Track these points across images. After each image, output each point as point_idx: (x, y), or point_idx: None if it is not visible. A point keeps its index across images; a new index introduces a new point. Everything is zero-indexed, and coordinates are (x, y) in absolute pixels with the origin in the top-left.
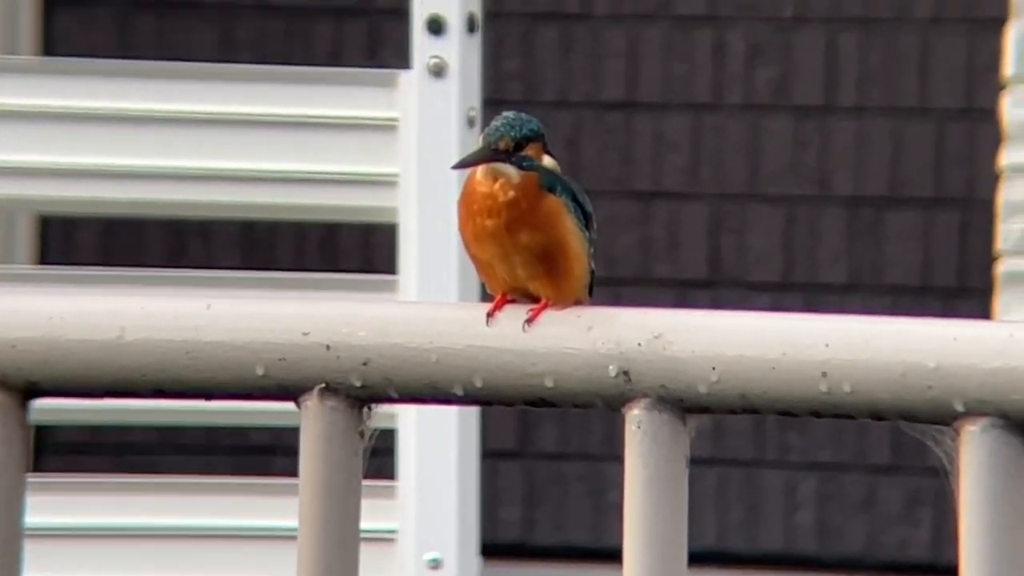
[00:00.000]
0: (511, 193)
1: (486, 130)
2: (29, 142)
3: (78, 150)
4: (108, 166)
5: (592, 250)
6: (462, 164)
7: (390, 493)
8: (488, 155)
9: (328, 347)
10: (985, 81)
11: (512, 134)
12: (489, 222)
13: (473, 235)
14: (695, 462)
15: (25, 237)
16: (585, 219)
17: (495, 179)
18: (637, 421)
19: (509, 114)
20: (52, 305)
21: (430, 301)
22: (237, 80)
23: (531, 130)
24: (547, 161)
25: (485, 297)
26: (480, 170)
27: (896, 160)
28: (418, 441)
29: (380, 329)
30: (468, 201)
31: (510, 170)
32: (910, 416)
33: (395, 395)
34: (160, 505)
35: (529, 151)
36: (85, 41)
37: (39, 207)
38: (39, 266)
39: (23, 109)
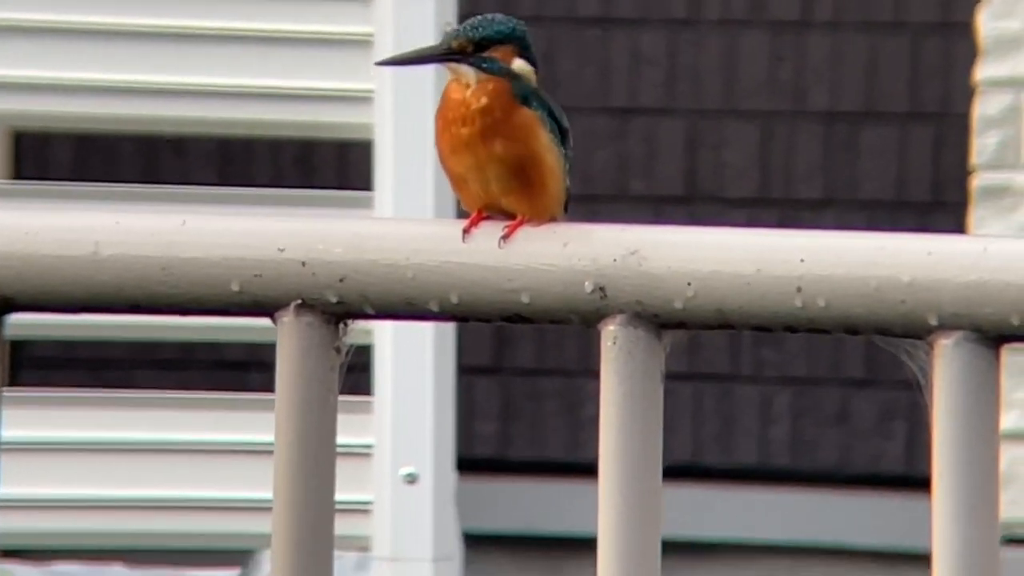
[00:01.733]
0: (484, 100)
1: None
2: (2, 57)
3: (52, 64)
4: (82, 80)
5: (568, 166)
6: (392, 61)
7: (366, 408)
8: (435, 54)
9: (304, 263)
10: None
11: (471, 34)
12: (464, 130)
13: (449, 145)
14: (671, 377)
15: None
16: (561, 135)
17: (467, 85)
18: (613, 337)
19: (483, 16)
20: (27, 220)
21: (406, 217)
22: None
23: (497, 31)
24: (518, 64)
25: (461, 214)
26: (451, 75)
27: (871, 75)
28: (394, 357)
29: (356, 245)
30: (444, 110)
31: (465, 70)
32: (884, 330)
33: (371, 311)
34: (136, 420)
35: (495, 53)
36: None
37: (12, 122)
38: (13, 181)
39: None
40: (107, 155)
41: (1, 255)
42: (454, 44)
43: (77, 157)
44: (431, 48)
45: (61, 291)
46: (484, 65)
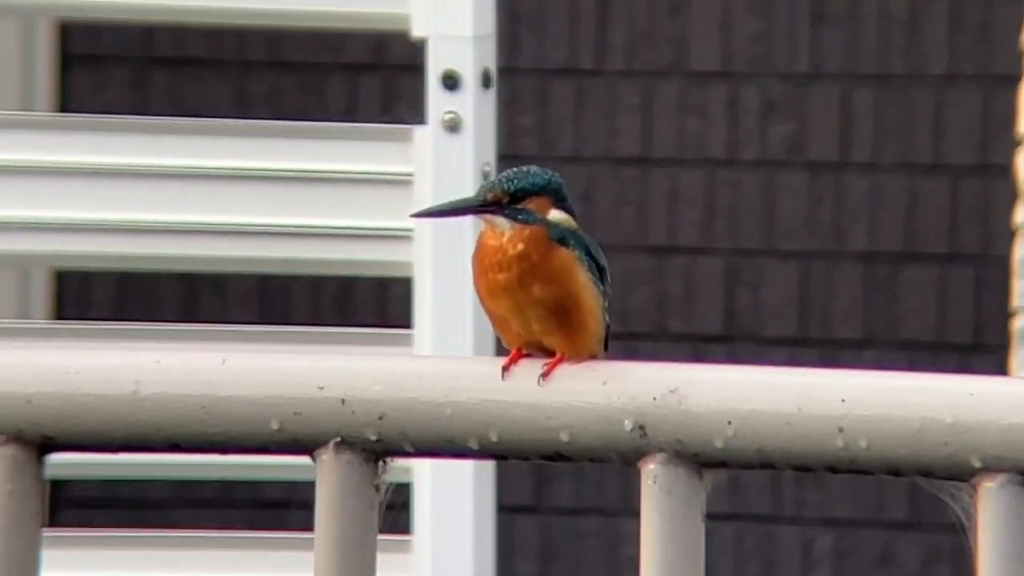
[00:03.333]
0: (520, 246)
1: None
2: (45, 198)
3: (93, 205)
4: (123, 221)
5: (607, 304)
6: (428, 213)
7: (406, 547)
8: (470, 206)
9: (343, 401)
10: (999, 137)
11: (505, 187)
12: (501, 276)
13: (487, 289)
14: (711, 517)
15: (41, 292)
16: (599, 273)
17: (502, 233)
18: (653, 476)
19: (515, 169)
20: (68, 360)
21: (445, 355)
22: (252, 135)
23: (532, 183)
24: (554, 215)
25: (500, 351)
26: (486, 224)
27: (911, 216)
28: (433, 495)
29: (395, 383)
30: (480, 256)
31: (500, 221)
32: (927, 472)
33: (410, 449)
34: (175, 560)
35: (530, 204)
36: (100, 98)
37: (55, 262)
38: (55, 321)
39: (39, 165)
40: (147, 294)
41: (42, 395)
42: (489, 196)
43: (117, 297)
44: (467, 200)
45: (101, 430)
46: (520, 217)
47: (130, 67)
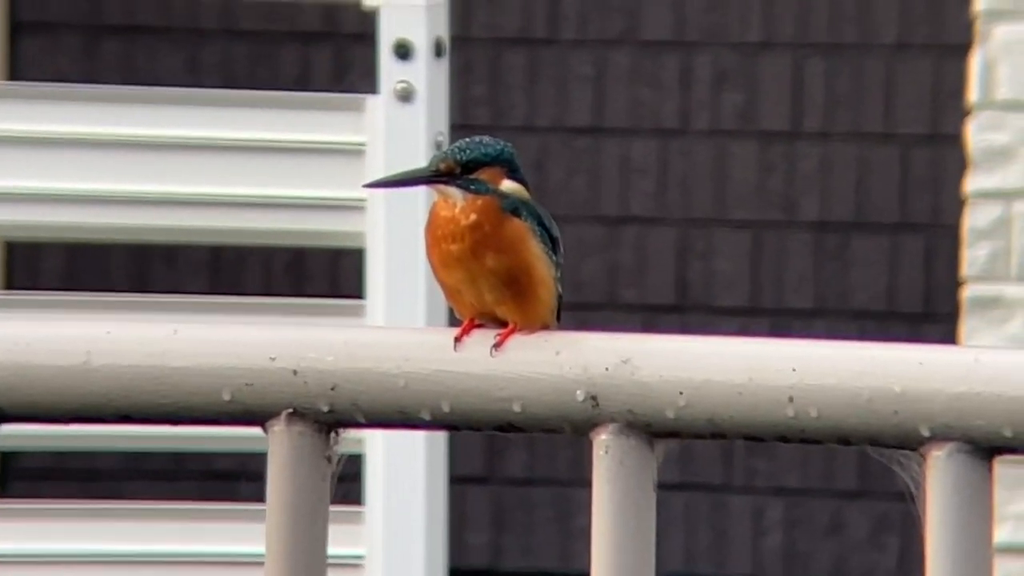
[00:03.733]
0: (472, 217)
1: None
2: None
3: (43, 175)
4: (73, 191)
5: (559, 275)
6: (380, 183)
7: (358, 518)
8: (422, 176)
9: (295, 372)
10: (950, 107)
11: (457, 157)
12: (454, 247)
13: (439, 260)
14: (663, 487)
15: None
16: (552, 243)
17: (455, 203)
18: (605, 446)
19: (466, 139)
20: (17, 330)
21: (397, 326)
22: (204, 104)
23: (484, 153)
24: (506, 185)
25: (453, 322)
26: (439, 195)
27: (862, 185)
28: (386, 466)
29: (347, 354)
30: (433, 226)
31: (453, 192)
32: (877, 441)
33: (363, 420)
34: (126, 531)
35: (482, 175)
36: (51, 66)
37: (4, 232)
38: (4, 291)
39: None
40: (98, 265)
41: None
42: (441, 166)
43: (68, 267)
44: (418, 170)
45: (51, 401)
46: (472, 187)
47: (80, 35)
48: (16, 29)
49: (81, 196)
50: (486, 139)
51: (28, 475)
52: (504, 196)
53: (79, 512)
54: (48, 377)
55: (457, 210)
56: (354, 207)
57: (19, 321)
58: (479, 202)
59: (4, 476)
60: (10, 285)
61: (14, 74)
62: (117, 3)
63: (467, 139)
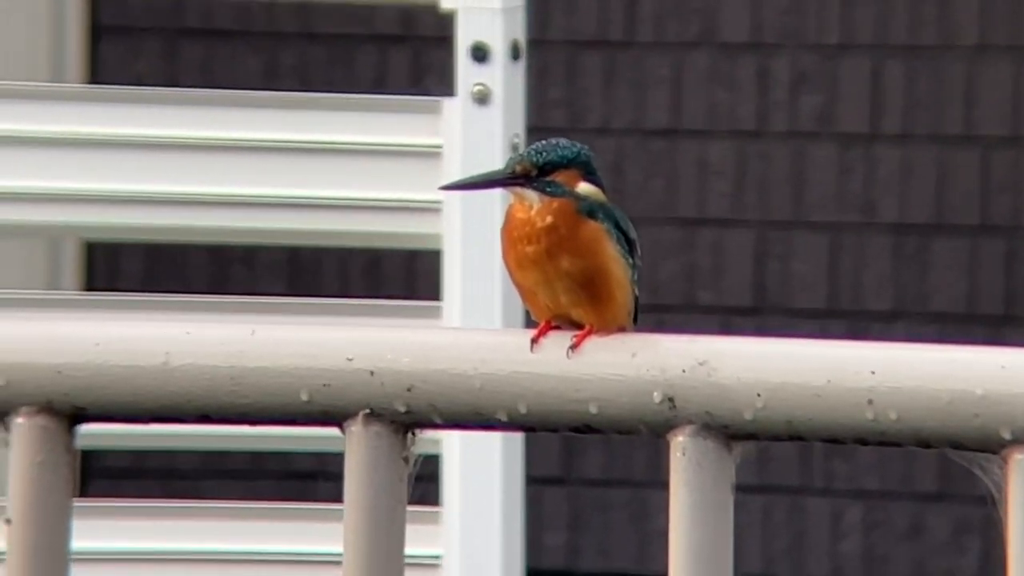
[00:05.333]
0: (549, 219)
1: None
2: (75, 169)
3: (123, 177)
4: (153, 193)
5: (636, 276)
6: (457, 185)
7: (434, 519)
8: (498, 179)
9: (372, 373)
10: None
11: (534, 159)
12: (529, 248)
13: (515, 262)
14: (740, 489)
15: (71, 263)
16: (629, 245)
17: (531, 206)
18: (682, 448)
19: (544, 141)
20: (98, 331)
21: (474, 327)
22: (282, 107)
23: (560, 156)
24: (583, 187)
25: (529, 324)
26: (515, 197)
27: (941, 187)
28: (462, 467)
29: (424, 355)
30: (509, 228)
31: (529, 194)
32: (957, 444)
33: (439, 421)
34: (205, 530)
35: (559, 177)
36: (131, 69)
37: (85, 233)
38: (85, 292)
39: (69, 136)
40: (177, 266)
41: (72, 366)
42: (518, 168)
43: (147, 268)
44: (496, 172)
45: (131, 401)
46: (548, 189)
47: (160, 38)
48: (97, 32)
49: (160, 198)
50: (562, 141)
51: (109, 474)
52: (580, 198)
53: (159, 511)
54: (128, 377)
55: (533, 212)
56: (431, 209)
57: (99, 322)
58: (555, 204)
59: (85, 475)
60: (90, 286)
61: (95, 77)
62: (196, 7)
63: (543, 141)
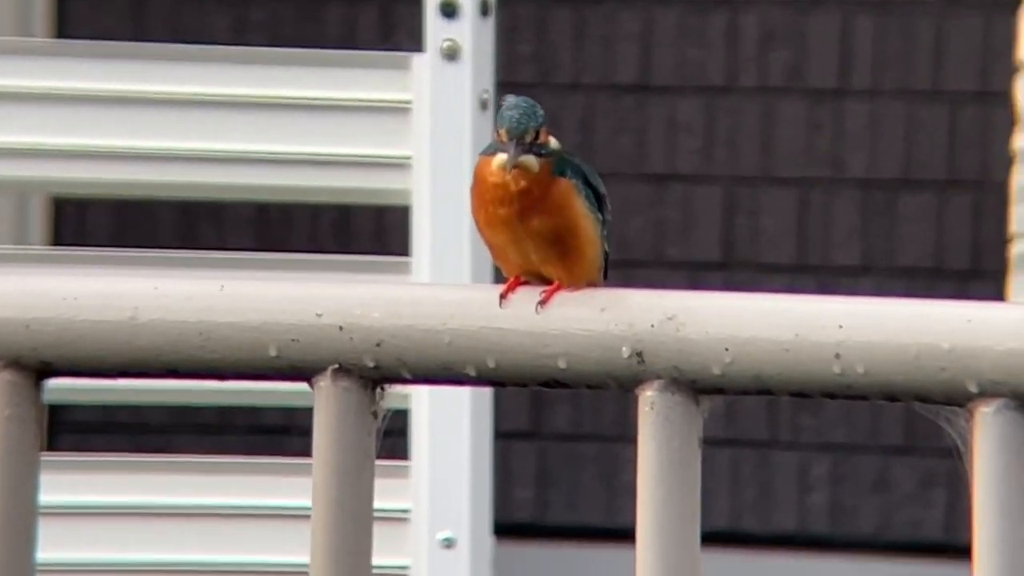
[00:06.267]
0: (523, 182)
1: (507, 123)
2: (42, 124)
3: (91, 132)
4: (121, 148)
5: (606, 232)
6: (516, 165)
7: (403, 473)
8: (525, 149)
9: (341, 328)
10: (999, 64)
11: (533, 124)
12: (502, 211)
13: (486, 222)
14: (708, 443)
15: (39, 218)
16: (598, 201)
17: (508, 170)
18: (650, 402)
19: (518, 102)
20: (66, 286)
21: (443, 283)
22: (250, 63)
23: (542, 116)
24: (553, 143)
25: (499, 279)
26: (495, 161)
27: (910, 143)
28: (431, 421)
29: (393, 310)
30: (481, 191)
31: (533, 161)
32: (924, 397)
33: (408, 376)
34: (174, 484)
35: (541, 137)
36: (99, 24)
37: (52, 188)
38: (52, 247)
39: (36, 91)
40: (145, 221)
41: (40, 320)
42: (528, 139)
43: (115, 223)
44: (517, 146)
45: (99, 356)
46: (542, 152)
47: None
48: None
49: (128, 153)
50: (529, 100)
51: (76, 428)
52: (556, 156)
53: (127, 465)
54: (96, 332)
55: (508, 176)
56: (400, 165)
57: (67, 276)
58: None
59: (53, 429)
60: (58, 241)
61: (61, 32)
62: None
63: (518, 104)
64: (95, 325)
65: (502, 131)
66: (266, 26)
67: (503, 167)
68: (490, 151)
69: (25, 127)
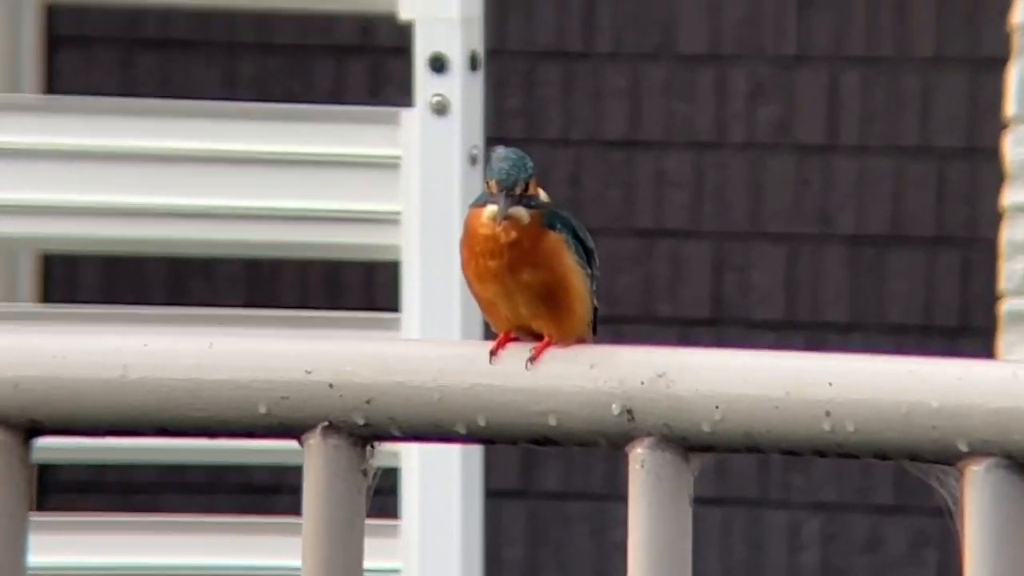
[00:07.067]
0: (513, 234)
1: (497, 174)
2: (32, 180)
3: (80, 188)
4: (110, 204)
5: (595, 287)
6: (507, 216)
7: (393, 532)
8: (515, 200)
9: (331, 385)
10: (987, 120)
11: (523, 176)
12: (492, 263)
13: (476, 275)
14: (699, 501)
15: (27, 275)
16: (587, 255)
17: (497, 221)
18: (640, 460)
19: (508, 153)
20: (55, 343)
21: (433, 339)
22: (239, 118)
23: (531, 167)
24: (542, 195)
25: (488, 335)
26: (486, 213)
27: (898, 199)
28: (421, 480)
29: (383, 367)
30: (471, 243)
31: (523, 212)
32: (914, 456)
33: (398, 433)
34: (164, 544)
35: (531, 189)
36: (87, 79)
37: (42, 245)
38: (41, 304)
39: (26, 147)
40: (134, 278)
41: (28, 379)
42: (517, 190)
43: (105, 280)
44: (507, 198)
45: (88, 415)
46: (532, 203)
47: (117, 48)
48: (53, 43)
49: (117, 209)
50: (519, 151)
51: (65, 488)
52: (547, 208)
53: (117, 525)
54: (85, 390)
55: (499, 228)
56: (389, 220)
57: (56, 334)
58: (523, 219)
59: (42, 489)
60: (47, 298)
61: (51, 87)
62: (153, 17)
63: (508, 156)
64: (84, 383)
65: (492, 182)
66: (255, 81)
67: (493, 218)
68: (480, 203)
69: (14, 183)
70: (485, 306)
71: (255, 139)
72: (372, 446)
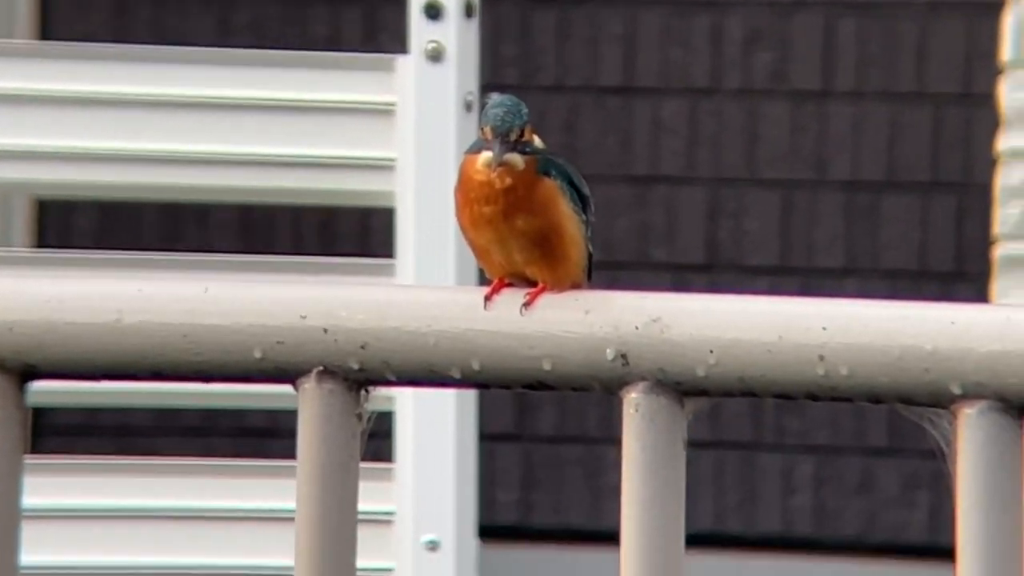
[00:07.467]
0: (508, 180)
1: (492, 120)
2: (26, 126)
3: (75, 134)
4: (105, 150)
5: (590, 233)
6: (501, 163)
7: (387, 475)
8: (510, 147)
9: (326, 330)
10: (982, 66)
11: (518, 122)
12: (487, 209)
13: (470, 221)
14: (693, 445)
15: (22, 221)
16: (582, 202)
17: (493, 168)
18: (635, 404)
19: (503, 100)
20: (50, 288)
21: (428, 285)
22: (234, 64)
23: (526, 114)
24: (537, 142)
25: (483, 281)
26: (481, 159)
27: (893, 145)
28: (415, 423)
29: (378, 312)
30: (465, 189)
31: (518, 159)
32: (907, 399)
33: (393, 378)
34: (158, 487)
35: (526, 135)
36: (82, 26)
37: (36, 191)
38: (36, 249)
39: (20, 93)
40: (130, 223)
41: (24, 323)
42: (512, 137)
43: (100, 225)
44: (502, 144)
45: (83, 358)
46: (527, 150)
47: None
48: None
49: (112, 155)
50: (514, 98)
51: (61, 431)
52: (539, 155)
53: (112, 468)
54: (80, 334)
55: (494, 174)
56: (384, 166)
57: (51, 279)
58: (525, 163)
59: (37, 432)
60: (42, 243)
61: (45, 33)
62: None
63: (503, 103)
64: (79, 327)
65: (487, 129)
66: (250, 28)
67: (488, 164)
68: (475, 149)
69: (8, 129)
70: (479, 252)
71: (249, 86)
72: (367, 390)
